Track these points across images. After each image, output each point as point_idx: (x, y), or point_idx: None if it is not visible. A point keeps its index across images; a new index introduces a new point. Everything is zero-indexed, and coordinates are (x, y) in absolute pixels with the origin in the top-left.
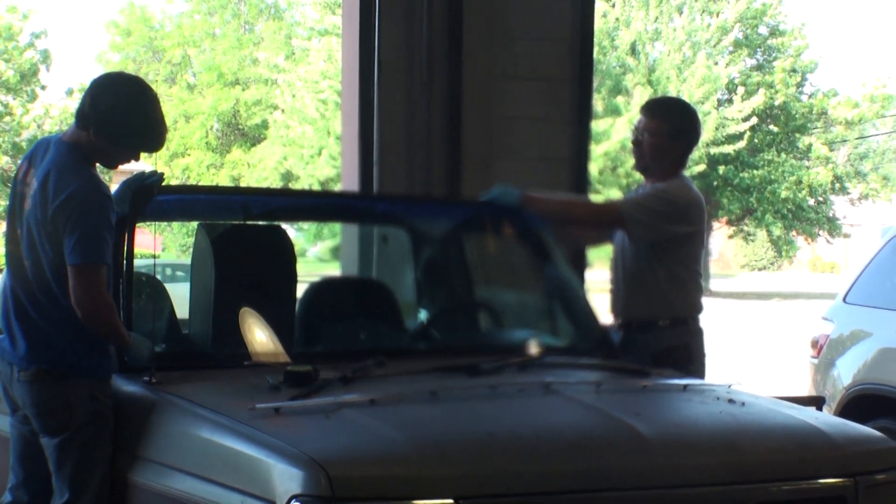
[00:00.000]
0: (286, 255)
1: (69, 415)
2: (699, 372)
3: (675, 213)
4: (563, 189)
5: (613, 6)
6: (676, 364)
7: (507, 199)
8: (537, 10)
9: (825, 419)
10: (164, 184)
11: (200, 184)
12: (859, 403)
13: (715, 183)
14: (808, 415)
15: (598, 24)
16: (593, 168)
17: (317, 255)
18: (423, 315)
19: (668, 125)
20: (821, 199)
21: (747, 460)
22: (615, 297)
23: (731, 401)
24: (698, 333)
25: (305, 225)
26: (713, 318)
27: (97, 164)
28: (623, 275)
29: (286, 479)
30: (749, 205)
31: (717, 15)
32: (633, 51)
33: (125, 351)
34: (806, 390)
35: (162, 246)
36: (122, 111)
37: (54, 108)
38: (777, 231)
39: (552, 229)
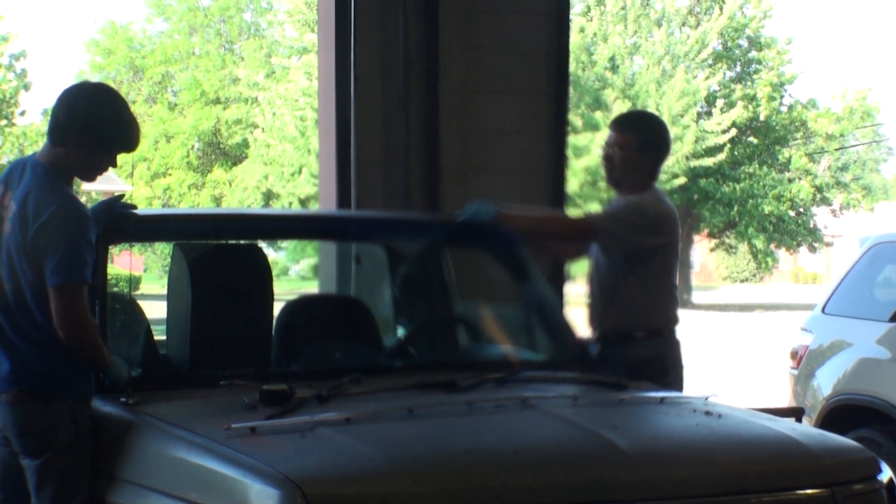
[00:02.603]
0: (262, 274)
1: (51, 436)
2: (677, 384)
3: (648, 225)
4: (540, 203)
5: (591, 20)
6: (653, 376)
7: (482, 216)
8: (513, 26)
9: (802, 430)
10: (139, 209)
11: (180, 206)
12: (840, 414)
13: (695, 196)
14: (786, 426)
15: (576, 39)
16: (573, 182)
17: (299, 273)
18: (400, 332)
19: (638, 138)
20: (801, 210)
21: (724, 472)
22: (592, 310)
23: (708, 413)
24: (675, 345)
25: (285, 244)
26: (695, 330)
27: (75, 180)
28: (599, 288)
29: (262, 498)
30: (730, 218)
31: (697, 28)
32: (613, 66)
33: (103, 371)
34: (786, 401)
35: (144, 266)
36: (99, 117)
37: (31, 131)
38: (759, 244)
39: (528, 244)
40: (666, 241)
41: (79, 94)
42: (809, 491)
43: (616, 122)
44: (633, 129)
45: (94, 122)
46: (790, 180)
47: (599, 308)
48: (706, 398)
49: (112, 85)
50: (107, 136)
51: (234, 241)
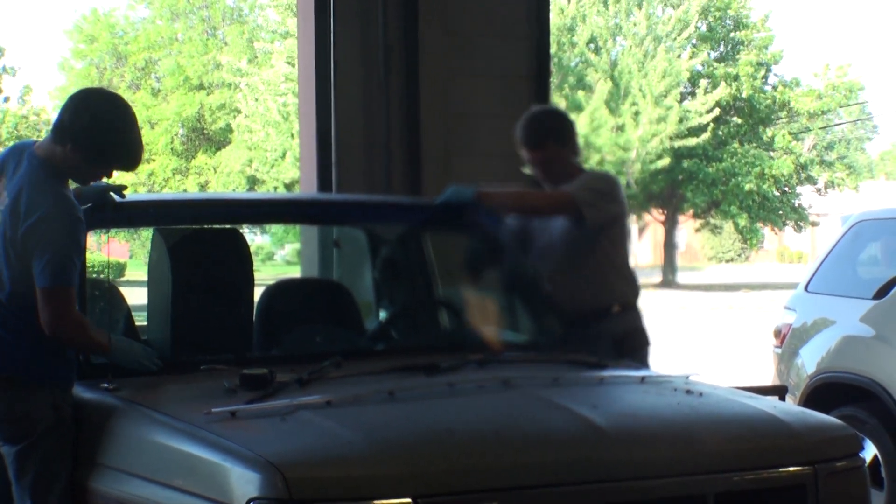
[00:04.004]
0: (243, 259)
1: (31, 423)
2: (648, 354)
3: (614, 193)
4: (522, 186)
5: (570, 2)
6: (634, 348)
7: (462, 197)
8: (493, 8)
9: (784, 408)
10: (126, 192)
11: (164, 191)
12: (823, 392)
13: (680, 177)
14: (767, 404)
15: (556, 19)
16: None
17: (284, 258)
18: (381, 315)
19: (528, 144)
20: (786, 189)
21: (706, 451)
22: (558, 287)
23: (689, 392)
24: (642, 316)
25: (270, 228)
26: (681, 309)
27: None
28: (566, 264)
29: (243, 482)
30: (714, 197)
31: (678, 7)
32: (595, 47)
33: (112, 358)
34: (770, 380)
35: (129, 253)
36: (102, 130)
37: (10, 116)
38: (742, 222)
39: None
40: (623, 209)
41: (87, 101)
42: (791, 469)
43: (519, 146)
44: (523, 142)
45: (94, 135)
46: (771, 157)
47: (567, 285)
48: (687, 377)
49: (95, 72)
50: (104, 151)
51: (214, 226)
